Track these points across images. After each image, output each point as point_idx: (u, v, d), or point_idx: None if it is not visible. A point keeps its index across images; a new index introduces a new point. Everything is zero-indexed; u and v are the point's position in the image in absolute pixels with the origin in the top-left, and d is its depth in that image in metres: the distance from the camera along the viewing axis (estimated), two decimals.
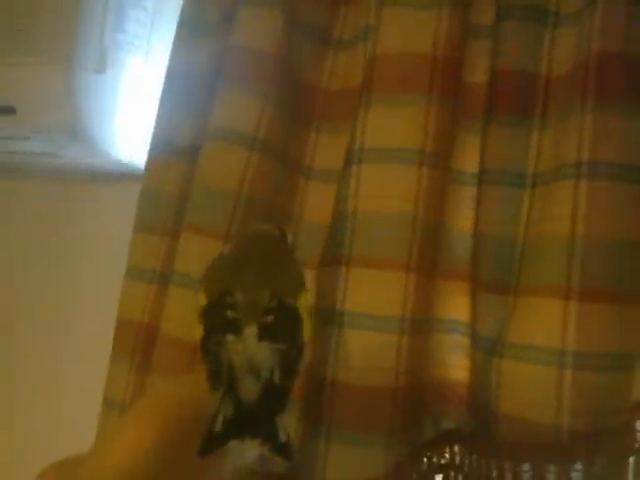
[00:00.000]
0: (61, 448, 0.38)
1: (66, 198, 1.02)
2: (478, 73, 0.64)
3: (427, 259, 0.62)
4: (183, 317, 0.67)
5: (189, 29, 0.79)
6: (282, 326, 0.39)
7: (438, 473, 0.66)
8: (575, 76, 0.57)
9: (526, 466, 0.55)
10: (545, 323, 0.55)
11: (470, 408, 0.63)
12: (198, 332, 0.39)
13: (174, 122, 0.79)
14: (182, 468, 0.34)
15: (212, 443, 0.33)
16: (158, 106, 0.81)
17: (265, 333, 0.37)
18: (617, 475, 0.54)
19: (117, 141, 0.90)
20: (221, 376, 0.35)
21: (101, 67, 0.85)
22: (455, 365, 0.64)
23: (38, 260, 1.04)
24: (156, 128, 0.80)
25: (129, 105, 0.90)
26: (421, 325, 0.62)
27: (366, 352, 0.60)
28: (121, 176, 0.95)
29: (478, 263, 0.63)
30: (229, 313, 0.38)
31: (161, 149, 0.79)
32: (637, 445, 0.55)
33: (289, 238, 0.49)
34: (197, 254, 0.68)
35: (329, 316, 0.63)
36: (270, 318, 0.38)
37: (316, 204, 0.71)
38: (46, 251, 1.04)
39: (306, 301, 0.43)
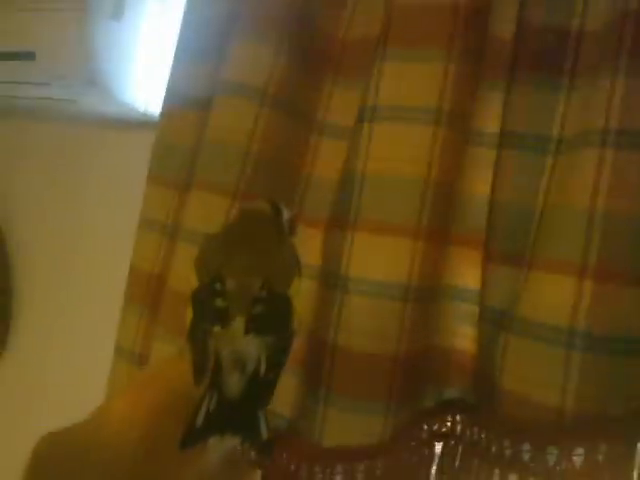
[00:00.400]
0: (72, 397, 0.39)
1: (82, 143, 1.01)
2: (504, 25, 0.59)
3: (438, 225, 0.59)
4: (188, 273, 0.66)
5: None
6: (271, 317, 0.38)
7: (438, 441, 0.65)
8: (608, 35, 0.52)
9: (526, 446, 0.53)
10: (556, 300, 0.52)
11: (474, 378, 0.61)
12: (188, 317, 0.39)
13: (190, 72, 0.76)
14: (163, 457, 0.33)
15: (193, 437, 0.33)
16: (174, 55, 0.78)
17: (252, 325, 0.36)
18: (622, 463, 0.52)
19: (133, 89, 0.88)
20: (206, 369, 0.35)
21: (118, 13, 0.83)
22: (462, 334, 0.62)
23: (59, 202, 1.05)
24: (171, 78, 0.78)
25: (146, 53, 0.88)
26: (427, 293, 0.60)
27: (369, 318, 0.58)
28: (137, 124, 0.94)
29: (492, 231, 0.60)
30: (218, 302, 0.37)
31: (176, 100, 0.77)
32: None
33: (285, 214, 0.47)
34: (204, 211, 0.67)
35: (333, 280, 0.61)
36: (259, 308, 0.37)
37: (328, 161, 0.68)
38: (60, 196, 1.05)
39: (299, 287, 0.42)
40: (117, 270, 0.82)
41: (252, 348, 0.36)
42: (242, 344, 0.36)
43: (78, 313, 1.02)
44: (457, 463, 0.62)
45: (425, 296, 0.60)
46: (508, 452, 0.55)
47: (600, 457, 0.51)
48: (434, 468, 0.65)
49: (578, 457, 0.51)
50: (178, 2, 0.84)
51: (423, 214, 0.58)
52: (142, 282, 0.76)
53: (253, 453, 0.34)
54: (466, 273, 0.61)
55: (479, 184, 0.60)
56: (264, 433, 0.33)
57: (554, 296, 0.52)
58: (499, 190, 0.59)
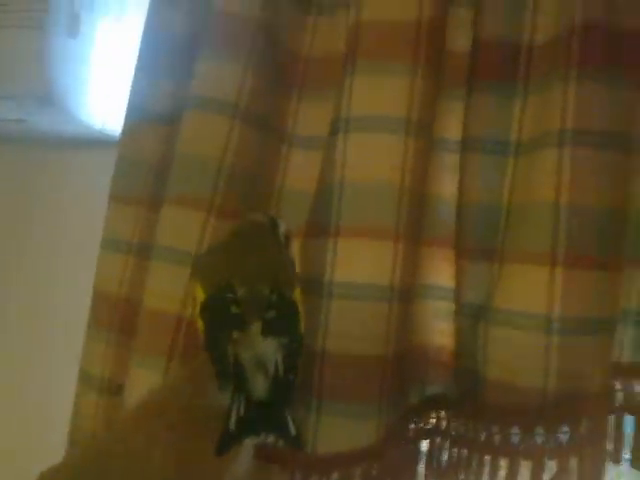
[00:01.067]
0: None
1: (37, 165, 0.98)
2: (460, 41, 0.64)
3: (414, 227, 0.62)
4: (166, 291, 0.66)
5: None
6: (283, 320, 0.39)
7: (424, 439, 0.67)
8: (558, 45, 0.58)
9: (515, 429, 0.57)
10: (532, 289, 0.56)
11: (455, 373, 0.64)
12: (200, 327, 0.39)
13: (151, 88, 0.76)
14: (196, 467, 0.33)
15: (228, 442, 0.33)
16: (134, 71, 0.78)
17: (269, 328, 0.38)
18: (602, 436, 0.56)
19: (89, 107, 0.86)
20: (229, 375, 0.35)
21: (74, 30, 0.81)
22: (440, 331, 0.65)
23: (9, 228, 1.01)
24: (132, 94, 0.77)
25: (102, 70, 0.87)
26: (408, 293, 0.62)
27: (357, 321, 0.60)
28: (93, 143, 0.92)
29: (463, 230, 0.64)
30: (233, 308, 0.38)
31: (138, 116, 0.76)
32: (617, 405, 0.58)
33: (282, 227, 0.49)
34: (180, 226, 0.66)
35: (317, 287, 0.62)
36: (272, 313, 0.39)
37: (299, 172, 0.71)
38: (17, 219, 1.00)
39: (299, 294, 0.44)
40: (73, 296, 0.80)
41: (270, 350, 0.37)
42: (261, 347, 0.37)
43: (30, 339, 0.97)
44: (445, 458, 0.65)
45: (407, 296, 0.62)
46: (497, 438, 0.58)
47: (583, 432, 0.55)
48: (421, 466, 0.67)
49: (564, 434, 0.55)
50: (134, 19, 0.84)
51: (401, 216, 0.61)
52: (108, 305, 0.74)
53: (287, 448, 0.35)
54: (441, 271, 0.65)
55: (446, 187, 0.64)
56: (293, 430, 0.34)
57: (529, 285, 0.56)
58: (466, 192, 0.63)
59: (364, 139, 0.62)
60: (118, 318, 0.74)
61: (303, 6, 0.72)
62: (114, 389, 0.73)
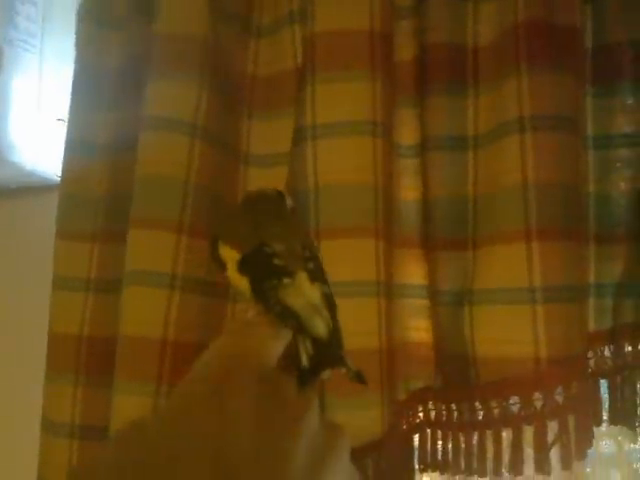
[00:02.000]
0: None
1: None
2: (407, 50, 0.68)
3: (389, 226, 0.65)
4: (145, 315, 0.63)
5: (95, 23, 0.75)
6: (321, 272, 0.40)
7: (415, 432, 0.68)
8: (504, 44, 0.63)
9: (514, 399, 0.59)
10: (511, 265, 0.60)
11: (440, 363, 0.66)
12: (243, 283, 0.38)
13: (90, 120, 0.75)
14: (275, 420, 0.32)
15: (307, 377, 0.33)
16: (69, 105, 0.76)
17: (313, 276, 0.38)
18: (588, 393, 0.61)
19: (17, 148, 0.81)
20: (287, 317, 0.35)
21: None
22: (416, 327, 0.68)
23: None
24: (70, 128, 0.75)
25: (26, 108, 0.82)
26: (390, 289, 0.64)
27: (349, 318, 0.60)
28: (24, 187, 0.86)
29: (432, 225, 0.67)
30: (276, 260, 0.38)
31: (79, 150, 0.75)
32: (607, 368, 0.63)
33: (288, 200, 0.49)
34: (152, 249, 0.64)
35: None
36: (311, 265, 0.39)
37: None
38: None
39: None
40: (15, 346, 0.74)
41: (318, 296, 0.37)
42: (310, 293, 0.37)
43: None
44: (440, 447, 0.66)
45: (390, 292, 0.64)
46: (497, 411, 0.60)
47: (574, 391, 0.59)
48: (415, 460, 0.68)
49: (559, 396, 0.58)
50: (56, 52, 0.82)
51: (379, 215, 0.63)
52: (70, 346, 0.70)
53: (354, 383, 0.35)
54: (411, 270, 0.68)
55: (406, 190, 0.68)
56: (354, 366, 0.35)
57: (508, 262, 0.60)
58: (431, 188, 0.67)
59: (334, 144, 0.64)
60: (84, 357, 0.70)
61: (243, 28, 0.74)
62: (86, 433, 0.68)
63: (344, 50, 0.65)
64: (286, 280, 0.37)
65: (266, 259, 0.38)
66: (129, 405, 0.62)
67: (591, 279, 0.66)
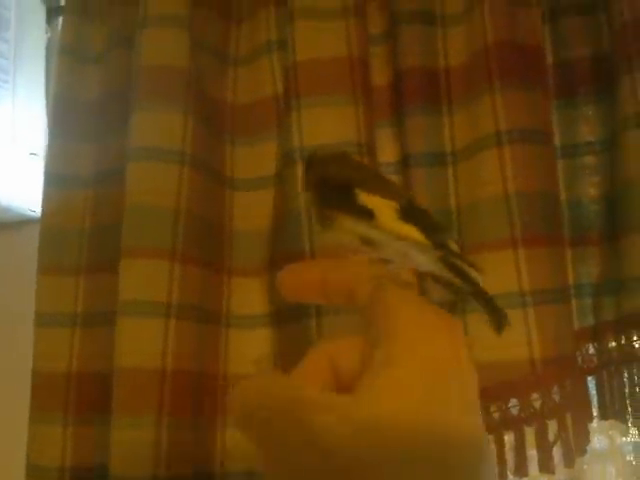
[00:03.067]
0: None
1: None
2: (382, 75, 0.72)
3: None
4: (142, 346, 0.62)
5: (74, 57, 0.76)
6: None
7: None
8: (475, 64, 0.67)
9: (513, 401, 0.61)
10: (500, 272, 0.62)
11: None
12: (409, 230, 0.35)
13: (70, 152, 0.75)
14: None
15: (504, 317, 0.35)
16: (48, 139, 0.76)
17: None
18: (582, 391, 0.63)
19: None
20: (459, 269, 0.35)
21: None
22: None
23: None
24: (50, 162, 0.75)
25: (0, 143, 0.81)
26: None
27: (347, 333, 0.62)
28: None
29: None
30: (433, 216, 0.37)
31: (60, 182, 0.74)
32: (593, 366, 0.66)
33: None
34: (144, 278, 0.64)
35: (304, 310, 0.63)
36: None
37: (247, 214, 0.72)
38: None
39: None
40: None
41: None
42: (456, 249, 0.37)
43: None
44: None
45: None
46: (497, 415, 0.62)
47: (569, 390, 0.61)
48: None
49: (556, 395, 0.61)
50: (29, 88, 0.82)
51: None
52: (57, 385, 0.68)
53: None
54: None
55: None
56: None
57: (497, 269, 0.63)
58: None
59: None
60: (74, 395, 0.68)
61: (221, 58, 0.76)
62: (86, 474, 0.66)
63: (326, 76, 0.68)
64: (449, 239, 0.36)
65: (424, 212, 0.37)
66: (129, 440, 0.60)
67: (571, 280, 0.69)
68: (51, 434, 0.67)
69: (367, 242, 0.35)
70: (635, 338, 0.66)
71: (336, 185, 0.37)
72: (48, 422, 0.68)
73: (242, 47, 0.76)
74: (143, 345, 0.62)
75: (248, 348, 0.69)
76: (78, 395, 0.68)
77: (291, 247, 0.66)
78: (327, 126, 0.67)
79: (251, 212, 0.72)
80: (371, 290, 0.30)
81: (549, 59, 0.71)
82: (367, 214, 0.35)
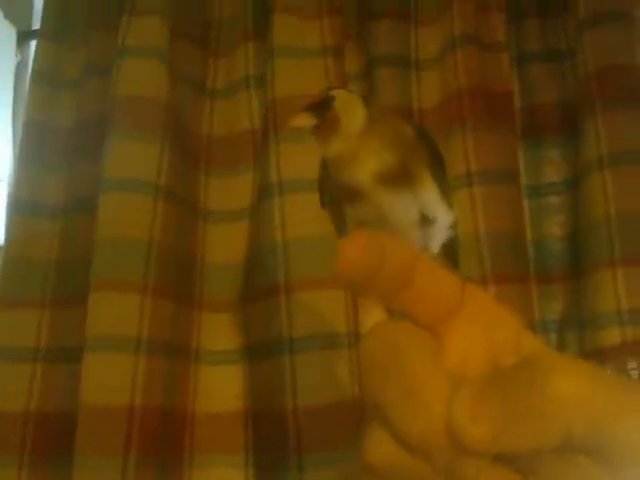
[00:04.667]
0: None
1: None
2: None
3: None
4: (111, 382, 0.61)
5: (46, 83, 0.75)
6: None
7: None
8: (448, 107, 0.69)
9: None
10: None
11: None
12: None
13: (39, 180, 0.73)
14: None
15: None
16: (16, 166, 0.74)
17: None
18: None
19: None
20: None
21: None
22: None
23: None
24: (16, 189, 0.73)
25: None
26: (359, 338, 0.66)
27: (323, 371, 0.62)
28: None
29: None
30: None
31: (27, 211, 0.73)
32: None
33: None
34: (114, 312, 0.63)
35: (277, 347, 0.63)
36: None
37: (219, 247, 0.72)
38: None
39: None
40: None
41: None
42: None
43: None
44: None
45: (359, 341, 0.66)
46: None
47: None
48: None
49: None
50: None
51: None
52: (13, 425, 0.66)
53: None
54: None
55: None
56: None
57: None
58: None
59: (300, 199, 0.66)
60: (31, 435, 0.65)
61: (199, 90, 0.76)
62: None
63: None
64: None
65: None
66: None
67: (536, 316, 0.71)
68: (5, 479, 0.64)
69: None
70: None
71: None
72: (2, 466, 0.65)
73: (220, 80, 0.77)
74: (111, 381, 0.61)
75: (217, 384, 0.67)
76: (36, 436, 0.65)
77: (265, 281, 0.65)
78: (304, 161, 0.67)
79: (224, 245, 0.72)
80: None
81: (517, 103, 0.73)
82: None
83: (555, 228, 0.73)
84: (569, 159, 0.72)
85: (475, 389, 0.19)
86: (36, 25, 0.86)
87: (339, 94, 0.38)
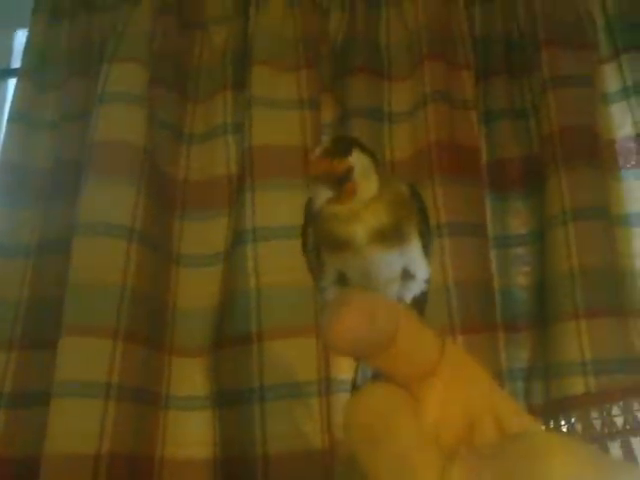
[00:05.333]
0: None
1: None
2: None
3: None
4: (79, 429, 0.60)
5: (25, 124, 0.75)
6: None
7: None
8: (418, 160, 0.72)
9: None
10: None
11: None
12: None
13: (11, 220, 0.73)
14: None
15: None
16: None
17: None
18: None
19: None
20: None
21: None
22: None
23: None
24: None
25: None
26: (332, 386, 0.67)
27: (291, 419, 0.62)
28: None
29: None
30: None
31: None
32: None
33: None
34: (85, 357, 0.62)
35: (247, 395, 0.63)
36: None
37: (191, 292, 0.72)
38: None
39: None
40: None
41: None
42: None
43: None
44: None
45: (331, 389, 0.66)
46: None
47: None
48: None
49: None
50: None
51: (316, 315, 0.66)
52: None
53: None
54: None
55: None
56: None
57: None
58: None
59: (274, 247, 0.67)
60: None
61: (176, 135, 0.77)
62: None
63: (280, 161, 0.71)
64: None
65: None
66: None
67: (503, 364, 0.72)
68: None
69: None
70: (562, 422, 0.69)
71: None
72: None
73: (198, 126, 0.79)
74: (78, 428, 0.60)
75: (187, 431, 0.67)
76: None
77: (237, 328, 0.66)
78: (279, 209, 0.69)
79: (196, 290, 0.72)
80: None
81: (484, 158, 0.76)
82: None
83: (521, 278, 0.76)
84: (534, 212, 0.75)
85: (469, 466, 0.20)
86: (15, 63, 0.87)
87: (357, 160, 0.37)
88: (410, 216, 0.39)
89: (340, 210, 0.37)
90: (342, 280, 0.39)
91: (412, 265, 0.39)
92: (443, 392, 0.21)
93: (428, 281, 0.42)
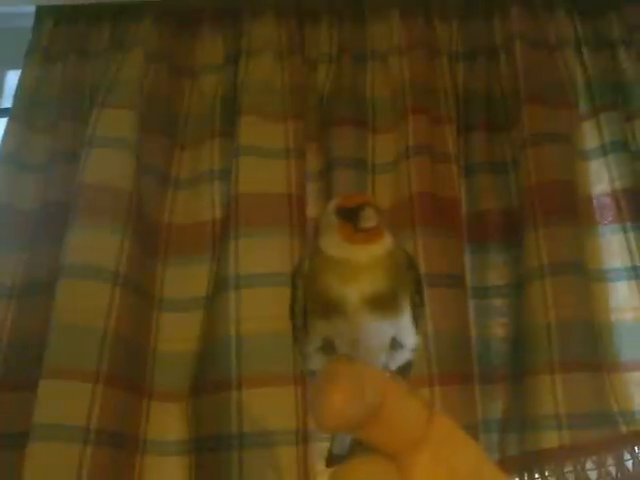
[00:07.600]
0: None
1: None
2: (316, 208, 0.76)
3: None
4: (54, 475, 0.59)
5: (13, 165, 0.76)
6: None
7: None
8: (399, 210, 0.74)
9: None
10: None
11: None
12: None
13: None
14: None
15: None
16: None
17: None
18: None
19: None
20: None
21: None
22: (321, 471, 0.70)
23: None
24: None
25: None
26: (306, 434, 0.67)
27: (269, 467, 0.62)
28: None
29: None
30: None
31: None
32: None
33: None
34: (63, 401, 0.62)
35: (225, 442, 0.63)
36: None
37: (172, 336, 0.72)
38: None
39: None
40: None
41: None
42: None
43: None
44: None
45: (306, 437, 0.66)
46: None
47: None
48: None
49: None
50: None
51: (296, 363, 0.67)
52: None
53: None
54: None
55: None
56: None
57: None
58: None
59: (256, 294, 0.68)
60: None
61: (162, 181, 0.79)
62: None
63: (266, 209, 0.72)
64: None
65: None
66: None
67: (478, 416, 0.73)
68: None
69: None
70: (537, 475, 0.70)
71: None
72: None
73: (184, 171, 0.80)
74: (55, 472, 0.59)
75: (164, 475, 0.67)
76: None
77: (217, 375, 0.66)
78: (263, 256, 0.70)
79: (177, 334, 0.72)
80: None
81: (464, 210, 0.78)
82: None
83: (498, 329, 0.77)
84: (513, 264, 0.77)
85: None
86: (6, 103, 0.88)
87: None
88: (405, 285, 0.38)
89: (350, 253, 0.36)
90: (328, 347, 0.38)
91: (402, 334, 0.39)
92: (430, 462, 0.21)
93: (415, 350, 0.41)
